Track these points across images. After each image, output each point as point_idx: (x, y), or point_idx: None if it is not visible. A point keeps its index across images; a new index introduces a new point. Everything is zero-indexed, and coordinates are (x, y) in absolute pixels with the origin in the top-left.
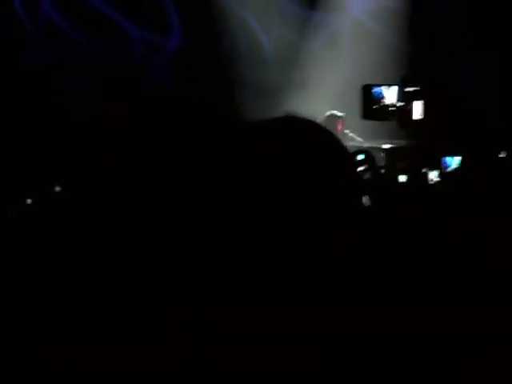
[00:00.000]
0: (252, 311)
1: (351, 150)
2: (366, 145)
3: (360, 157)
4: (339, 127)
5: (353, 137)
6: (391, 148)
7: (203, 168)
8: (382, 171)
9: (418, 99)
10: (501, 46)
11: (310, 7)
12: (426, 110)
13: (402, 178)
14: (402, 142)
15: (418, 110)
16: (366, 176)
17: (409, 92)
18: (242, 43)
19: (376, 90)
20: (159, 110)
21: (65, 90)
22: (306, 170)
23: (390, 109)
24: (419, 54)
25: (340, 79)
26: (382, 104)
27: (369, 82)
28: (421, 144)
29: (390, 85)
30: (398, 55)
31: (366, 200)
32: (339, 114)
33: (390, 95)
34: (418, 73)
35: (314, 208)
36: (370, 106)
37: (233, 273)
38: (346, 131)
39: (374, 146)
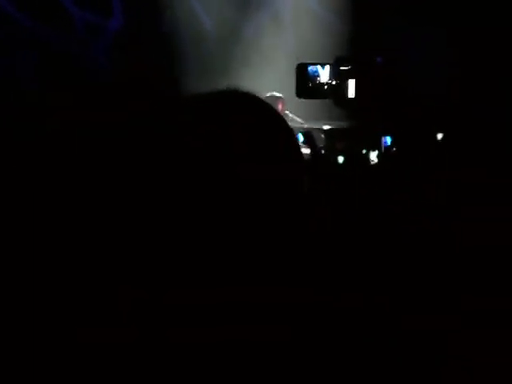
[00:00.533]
0: (209, 288)
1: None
2: (306, 125)
3: (300, 137)
4: (279, 107)
5: (293, 117)
6: (331, 129)
7: (145, 148)
8: (323, 152)
9: (351, 78)
10: (445, 22)
11: None
12: (360, 89)
13: (342, 159)
14: (342, 123)
15: (352, 88)
16: (306, 156)
17: (343, 70)
18: (183, 22)
19: (311, 68)
20: (101, 91)
21: (4, 70)
22: (250, 142)
23: (324, 87)
24: (362, 34)
25: (281, 59)
26: (316, 82)
27: (307, 60)
28: (360, 124)
29: (324, 64)
30: (341, 35)
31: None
32: (278, 94)
33: (324, 74)
34: (358, 52)
35: (266, 185)
36: (305, 85)
37: (189, 248)
38: (286, 112)
39: (315, 126)
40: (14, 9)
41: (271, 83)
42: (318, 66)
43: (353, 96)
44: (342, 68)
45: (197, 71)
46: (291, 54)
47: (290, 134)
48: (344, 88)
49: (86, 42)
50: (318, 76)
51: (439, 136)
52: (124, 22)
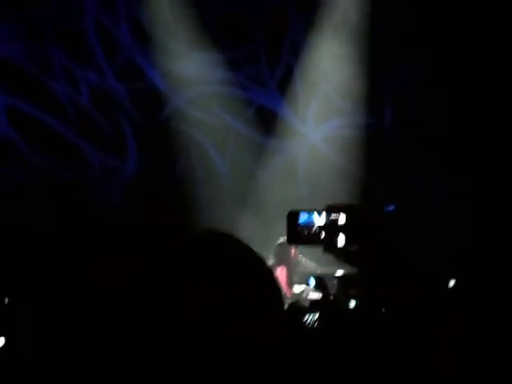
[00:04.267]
0: None
1: (304, 276)
2: (319, 271)
3: (312, 282)
4: (292, 253)
5: (306, 262)
6: (343, 275)
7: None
8: (332, 297)
9: (341, 229)
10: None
11: (265, 135)
12: (350, 239)
13: (353, 304)
14: (354, 270)
15: (342, 238)
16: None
17: (333, 220)
18: (198, 166)
19: (303, 215)
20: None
21: (20, 212)
22: (222, 283)
23: (315, 234)
24: (375, 181)
25: (295, 205)
26: (311, 231)
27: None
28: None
29: (320, 211)
30: (354, 182)
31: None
32: None
33: (319, 222)
34: (373, 200)
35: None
36: (296, 232)
37: None
38: (300, 257)
39: (328, 272)
40: (29, 150)
41: (284, 229)
42: (314, 214)
43: (342, 245)
44: (332, 217)
45: (210, 217)
46: (304, 200)
47: (263, 267)
48: (334, 237)
49: (103, 184)
50: (311, 223)
51: (451, 283)
52: (139, 166)
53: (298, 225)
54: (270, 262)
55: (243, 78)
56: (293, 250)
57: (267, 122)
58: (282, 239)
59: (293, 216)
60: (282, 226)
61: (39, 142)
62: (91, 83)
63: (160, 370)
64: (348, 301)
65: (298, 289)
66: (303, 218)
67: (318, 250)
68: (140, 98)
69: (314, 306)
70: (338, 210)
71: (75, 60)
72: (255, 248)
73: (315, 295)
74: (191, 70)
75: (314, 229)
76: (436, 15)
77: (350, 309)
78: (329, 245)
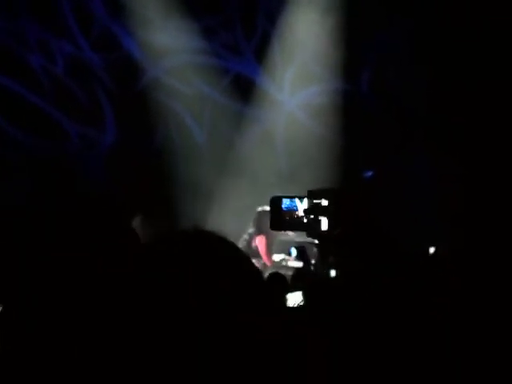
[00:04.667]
0: None
1: (284, 245)
2: (298, 239)
3: (293, 252)
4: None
5: (285, 232)
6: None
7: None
8: (312, 268)
9: (324, 214)
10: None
11: (242, 104)
12: (333, 223)
13: (334, 273)
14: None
15: (325, 222)
16: (299, 271)
17: (316, 205)
18: (176, 137)
19: (286, 202)
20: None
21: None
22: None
23: (300, 220)
24: (353, 149)
25: (273, 173)
26: (294, 216)
27: (299, 177)
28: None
29: (302, 197)
30: (332, 149)
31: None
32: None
33: (302, 207)
34: (346, 174)
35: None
36: (280, 218)
37: None
38: None
39: (307, 240)
40: (5, 124)
41: (263, 197)
42: (296, 200)
43: (325, 228)
44: (314, 202)
45: (188, 185)
46: (283, 168)
47: (252, 274)
48: (317, 221)
49: (81, 155)
50: (294, 209)
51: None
52: (117, 137)
53: (281, 211)
54: (250, 230)
55: (219, 47)
56: None
57: (244, 90)
58: (261, 208)
59: (275, 202)
60: (262, 194)
61: (15, 114)
62: (67, 54)
63: (162, 353)
64: (328, 269)
65: (277, 257)
66: (286, 203)
67: None
68: (116, 68)
69: (298, 278)
70: (319, 194)
71: (50, 31)
72: (235, 217)
73: (295, 264)
74: (167, 39)
75: (297, 214)
76: None
77: (331, 278)
78: (312, 229)
